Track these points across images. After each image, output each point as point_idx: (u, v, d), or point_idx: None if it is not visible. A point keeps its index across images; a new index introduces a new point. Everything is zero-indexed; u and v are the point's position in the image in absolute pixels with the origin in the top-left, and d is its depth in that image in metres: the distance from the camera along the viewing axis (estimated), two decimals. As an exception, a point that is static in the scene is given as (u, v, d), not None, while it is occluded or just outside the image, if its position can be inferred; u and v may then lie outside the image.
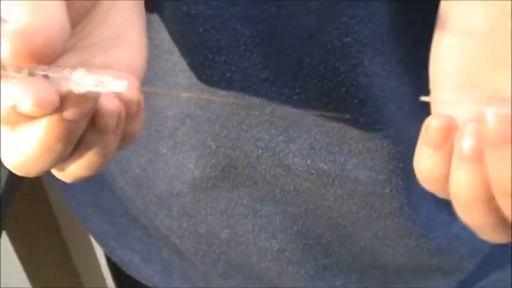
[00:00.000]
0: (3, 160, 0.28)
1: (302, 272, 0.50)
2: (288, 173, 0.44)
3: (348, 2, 0.36)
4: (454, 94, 0.30)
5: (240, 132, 0.43)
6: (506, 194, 0.28)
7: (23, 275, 0.89)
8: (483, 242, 0.49)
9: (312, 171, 0.43)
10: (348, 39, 0.37)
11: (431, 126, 0.29)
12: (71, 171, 0.29)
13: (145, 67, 0.32)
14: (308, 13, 0.37)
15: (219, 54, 0.39)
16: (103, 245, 0.60)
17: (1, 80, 0.25)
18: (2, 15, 0.26)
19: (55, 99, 0.25)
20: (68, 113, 0.26)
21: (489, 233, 0.31)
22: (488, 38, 0.30)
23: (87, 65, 0.29)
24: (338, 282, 0.51)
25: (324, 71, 0.38)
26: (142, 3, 0.34)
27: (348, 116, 0.40)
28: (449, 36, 0.31)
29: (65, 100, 0.26)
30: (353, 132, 0.41)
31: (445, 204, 0.47)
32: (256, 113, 0.42)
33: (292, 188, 0.45)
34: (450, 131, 0.28)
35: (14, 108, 0.25)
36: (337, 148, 0.42)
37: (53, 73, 0.25)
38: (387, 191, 0.44)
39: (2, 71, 0.26)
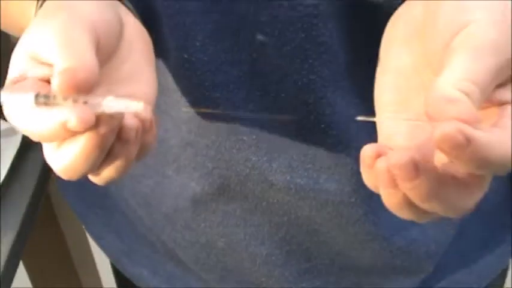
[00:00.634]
0: (52, 166, 0.37)
1: (287, 274, 0.59)
2: (272, 188, 0.54)
3: (314, 48, 0.46)
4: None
5: (232, 155, 0.53)
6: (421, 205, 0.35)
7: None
8: (438, 246, 0.59)
9: (291, 185, 0.53)
10: (314, 76, 0.47)
11: (363, 150, 0.35)
12: (104, 175, 0.38)
13: (155, 98, 0.42)
14: (281, 57, 0.47)
15: (214, 91, 0.49)
16: (115, 261, 0.69)
17: (54, 106, 0.35)
18: (51, 61, 0.36)
19: (92, 118, 0.34)
20: (101, 129, 0.35)
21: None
22: (413, 74, 0.37)
23: (114, 95, 0.39)
24: (318, 283, 0.59)
25: (296, 103, 0.48)
26: (152, 49, 0.43)
27: (294, 118, 0.48)
28: (385, 74, 0.39)
29: (99, 119, 0.35)
30: (323, 152, 0.51)
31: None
32: (245, 138, 0.52)
33: (276, 200, 0.54)
34: (377, 155, 0.34)
35: (64, 125, 0.34)
36: (310, 165, 0.52)
37: (90, 100, 0.35)
38: (353, 200, 0.53)
39: (54, 100, 0.35)
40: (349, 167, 0.52)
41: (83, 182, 0.67)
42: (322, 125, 0.49)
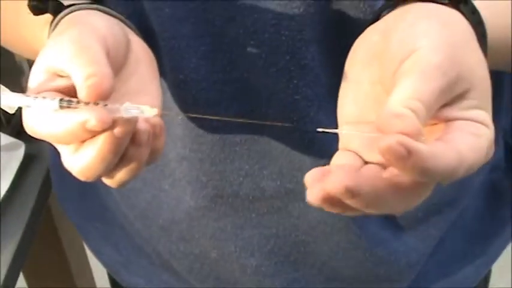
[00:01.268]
0: (69, 168, 0.39)
1: (276, 283, 0.61)
2: (263, 194, 0.57)
3: (298, 70, 0.50)
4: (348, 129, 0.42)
5: (226, 166, 0.56)
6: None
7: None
8: (418, 256, 0.62)
9: (281, 189, 0.56)
10: (298, 96, 0.51)
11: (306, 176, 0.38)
12: (118, 177, 0.41)
13: (161, 107, 0.45)
14: (269, 77, 0.51)
15: (207, 108, 0.53)
16: (113, 272, 0.72)
17: (78, 107, 0.38)
18: (69, 70, 0.39)
19: (110, 120, 0.37)
20: (118, 131, 0.37)
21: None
22: (371, 91, 0.41)
23: None
24: None
25: (283, 121, 0.52)
26: (156, 65, 0.46)
27: (291, 125, 0.52)
28: (347, 91, 0.42)
29: (116, 122, 0.37)
30: (309, 161, 0.54)
31: (388, 225, 0.60)
32: (237, 149, 0.55)
33: (266, 211, 0.57)
34: (319, 179, 0.37)
35: (83, 125, 0.37)
36: (299, 172, 0.55)
37: (109, 104, 0.38)
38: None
39: (76, 105, 0.38)
40: None
41: (82, 196, 0.70)
42: (306, 140, 0.53)
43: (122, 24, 0.46)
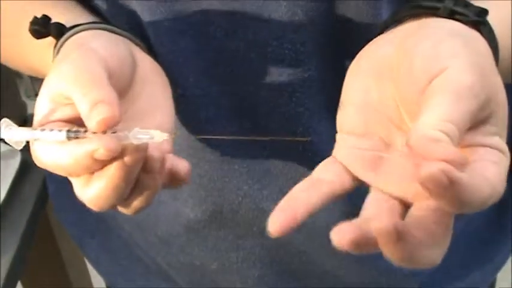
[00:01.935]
0: (82, 199, 0.38)
1: None
2: (263, 214, 0.56)
3: (300, 82, 0.49)
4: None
5: (224, 184, 0.55)
6: None
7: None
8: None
9: None
10: (301, 109, 0.50)
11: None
12: (133, 205, 0.40)
13: (173, 126, 0.43)
14: (271, 90, 0.50)
15: (207, 124, 0.51)
16: (111, 282, 0.71)
17: (86, 137, 0.37)
18: (73, 97, 0.37)
19: (118, 147, 0.36)
20: (128, 159, 0.36)
21: None
22: (380, 108, 0.39)
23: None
24: None
25: (285, 134, 0.51)
26: (167, 81, 0.45)
27: (308, 139, 0.51)
28: (349, 105, 0.40)
29: (125, 150, 0.36)
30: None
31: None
32: (236, 167, 0.54)
33: (266, 223, 0.56)
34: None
35: (91, 154, 0.36)
36: None
37: (117, 131, 0.37)
38: (333, 219, 0.55)
39: (84, 134, 0.37)
40: None
41: (79, 207, 0.69)
42: (309, 154, 0.52)
43: (128, 42, 0.44)
